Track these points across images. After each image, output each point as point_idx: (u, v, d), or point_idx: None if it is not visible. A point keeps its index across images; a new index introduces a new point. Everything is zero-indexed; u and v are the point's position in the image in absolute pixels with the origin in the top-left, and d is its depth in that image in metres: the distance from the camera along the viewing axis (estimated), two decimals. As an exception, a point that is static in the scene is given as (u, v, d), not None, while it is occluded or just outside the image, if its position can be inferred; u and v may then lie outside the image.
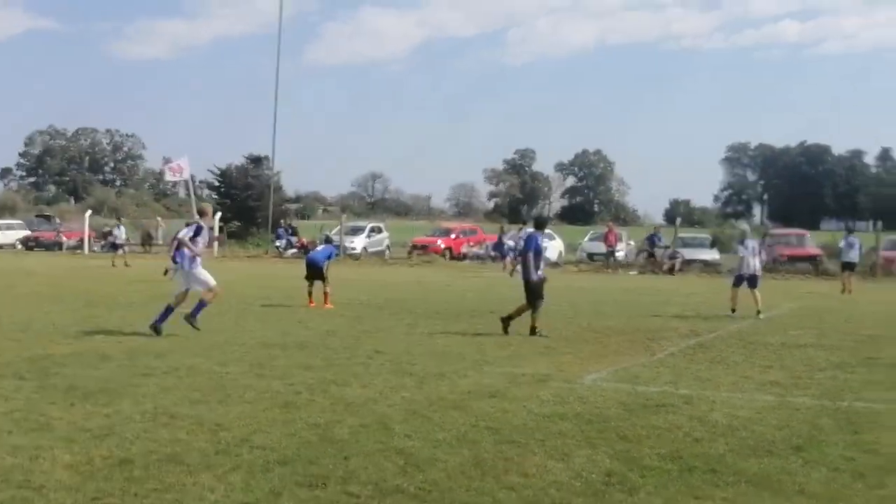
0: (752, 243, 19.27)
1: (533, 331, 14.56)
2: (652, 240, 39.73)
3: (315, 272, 19.42)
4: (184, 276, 14.26)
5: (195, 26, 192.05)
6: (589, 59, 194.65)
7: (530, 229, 17.94)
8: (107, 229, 48.69)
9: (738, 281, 18.93)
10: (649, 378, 10.94)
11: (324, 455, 7.06)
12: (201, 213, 14.87)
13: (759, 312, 18.19)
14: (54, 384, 9.71)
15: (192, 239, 14.06)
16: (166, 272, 17.39)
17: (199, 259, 14.11)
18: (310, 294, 19.29)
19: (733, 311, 18.48)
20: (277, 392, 9.50)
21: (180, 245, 14.39)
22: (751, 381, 10.87)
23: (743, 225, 23.58)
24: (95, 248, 49.02)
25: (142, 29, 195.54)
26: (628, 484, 6.52)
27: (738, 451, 7.43)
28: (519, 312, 14.92)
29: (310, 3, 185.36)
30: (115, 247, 36.12)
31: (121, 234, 36.89)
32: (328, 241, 21.29)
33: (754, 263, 18.88)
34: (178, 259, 14.56)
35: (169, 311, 13.99)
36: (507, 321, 14.83)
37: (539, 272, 14.80)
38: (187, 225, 15.57)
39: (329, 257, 19.97)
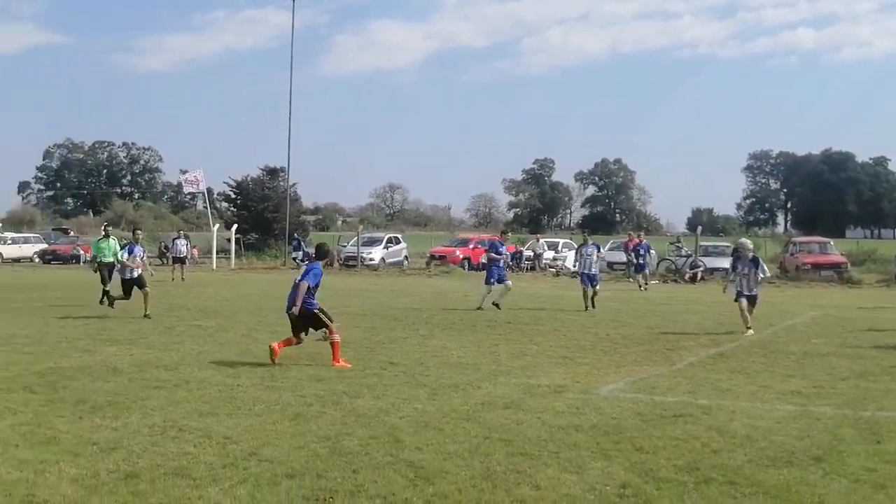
0: (748, 262, 17.16)
1: None
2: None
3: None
4: None
5: (203, 40, 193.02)
6: (603, 68, 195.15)
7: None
8: (163, 242, 48.22)
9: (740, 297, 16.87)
10: (667, 388, 10.75)
11: (332, 468, 6.95)
12: None
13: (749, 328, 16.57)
14: (63, 397, 9.64)
15: None
16: None
17: None
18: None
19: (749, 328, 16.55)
20: (288, 404, 9.38)
21: None
22: (771, 390, 10.66)
23: (741, 240, 18.65)
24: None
25: (150, 44, 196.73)
26: (643, 496, 6.37)
27: (757, 462, 7.25)
28: None
29: (319, 16, 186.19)
30: (176, 260, 34.36)
31: (181, 246, 35.03)
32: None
33: (751, 284, 16.94)
34: None
35: None
36: None
37: None
38: None
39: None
